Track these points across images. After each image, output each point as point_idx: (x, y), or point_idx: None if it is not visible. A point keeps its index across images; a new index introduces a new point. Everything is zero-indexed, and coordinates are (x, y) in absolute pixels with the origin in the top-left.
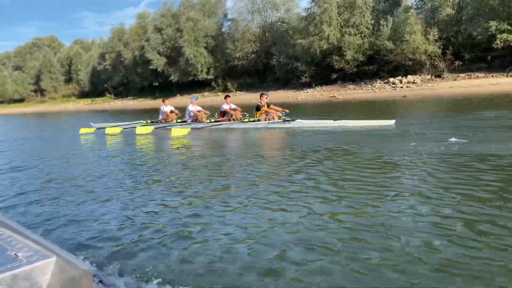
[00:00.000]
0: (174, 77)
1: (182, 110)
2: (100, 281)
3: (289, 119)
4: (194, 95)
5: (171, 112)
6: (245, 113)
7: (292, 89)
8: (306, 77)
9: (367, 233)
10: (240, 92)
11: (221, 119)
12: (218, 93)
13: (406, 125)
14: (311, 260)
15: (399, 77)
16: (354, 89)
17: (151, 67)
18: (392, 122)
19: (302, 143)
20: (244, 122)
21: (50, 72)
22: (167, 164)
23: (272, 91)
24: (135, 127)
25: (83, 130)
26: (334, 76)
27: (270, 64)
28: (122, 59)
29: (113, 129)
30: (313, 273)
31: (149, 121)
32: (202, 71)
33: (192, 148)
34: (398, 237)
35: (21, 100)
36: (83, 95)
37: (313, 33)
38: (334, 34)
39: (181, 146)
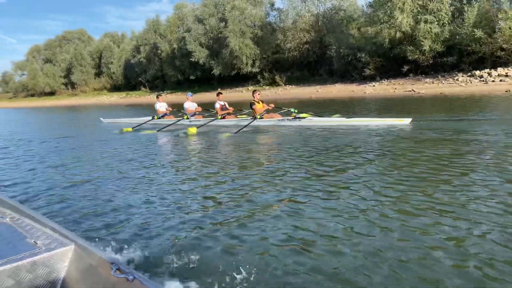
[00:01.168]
0: (216, 71)
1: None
2: (118, 269)
3: (299, 116)
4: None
5: (166, 109)
6: (238, 111)
7: (350, 82)
8: (370, 69)
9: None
10: (290, 86)
11: (223, 116)
12: (264, 87)
13: None
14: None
15: (487, 70)
16: (433, 82)
17: (191, 59)
18: (408, 120)
19: (311, 142)
20: (259, 119)
21: (81, 65)
22: (186, 160)
23: (328, 85)
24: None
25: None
26: (406, 68)
27: (323, 56)
28: (159, 51)
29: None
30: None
31: (156, 118)
32: (247, 63)
33: (211, 148)
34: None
35: (51, 93)
36: (115, 88)
37: (382, 21)
38: (407, 22)
39: (199, 145)
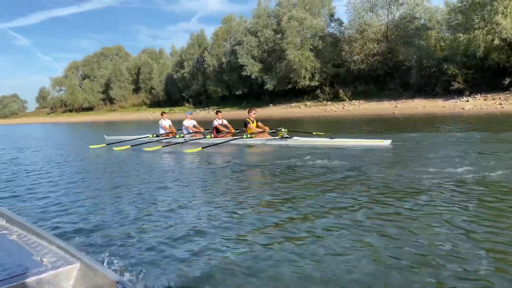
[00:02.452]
0: (269, 85)
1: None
2: None
3: (287, 136)
4: (190, 110)
5: (170, 126)
6: (237, 130)
7: (432, 97)
8: (459, 82)
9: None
10: (357, 101)
11: (215, 135)
12: (325, 102)
13: None
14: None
15: None
16: None
17: (244, 73)
18: (387, 142)
19: (294, 162)
20: (243, 138)
21: (119, 80)
22: (176, 181)
23: (405, 100)
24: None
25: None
26: (507, 80)
27: (395, 68)
28: (205, 65)
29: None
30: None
31: (154, 135)
32: (305, 77)
33: (200, 166)
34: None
35: (89, 109)
36: (155, 104)
37: (477, 27)
38: (511, 27)
39: (191, 163)
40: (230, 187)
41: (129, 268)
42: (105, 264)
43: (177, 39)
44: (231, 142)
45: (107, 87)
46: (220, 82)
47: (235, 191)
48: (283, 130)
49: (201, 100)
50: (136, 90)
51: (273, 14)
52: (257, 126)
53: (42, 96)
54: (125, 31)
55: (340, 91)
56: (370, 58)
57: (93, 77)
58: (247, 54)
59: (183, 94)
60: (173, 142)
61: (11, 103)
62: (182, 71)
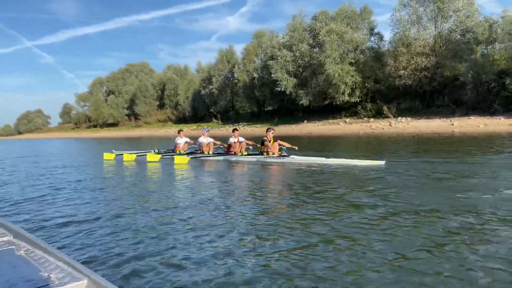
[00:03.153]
0: (305, 101)
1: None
2: None
3: (285, 154)
4: (206, 127)
5: (185, 143)
6: (250, 147)
7: (490, 114)
8: None
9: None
10: (404, 118)
11: (226, 151)
12: (367, 118)
13: None
14: None
15: None
16: None
17: (277, 88)
18: (382, 162)
19: (288, 179)
20: (241, 155)
21: (144, 96)
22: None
23: (458, 117)
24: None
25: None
26: None
27: (443, 83)
28: (235, 81)
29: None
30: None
31: (157, 150)
32: (343, 92)
33: (183, 177)
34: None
35: (114, 124)
36: (180, 120)
37: None
38: None
39: (178, 175)
40: (213, 202)
41: (137, 285)
42: (113, 281)
43: (197, 58)
44: (222, 158)
45: (132, 102)
46: (250, 98)
47: (219, 207)
48: (282, 148)
49: (229, 116)
50: (161, 106)
51: (309, 28)
52: (276, 144)
53: (65, 112)
54: (146, 49)
55: (385, 107)
56: (417, 73)
57: (117, 93)
58: (282, 69)
59: (211, 110)
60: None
61: (36, 118)
62: (210, 87)
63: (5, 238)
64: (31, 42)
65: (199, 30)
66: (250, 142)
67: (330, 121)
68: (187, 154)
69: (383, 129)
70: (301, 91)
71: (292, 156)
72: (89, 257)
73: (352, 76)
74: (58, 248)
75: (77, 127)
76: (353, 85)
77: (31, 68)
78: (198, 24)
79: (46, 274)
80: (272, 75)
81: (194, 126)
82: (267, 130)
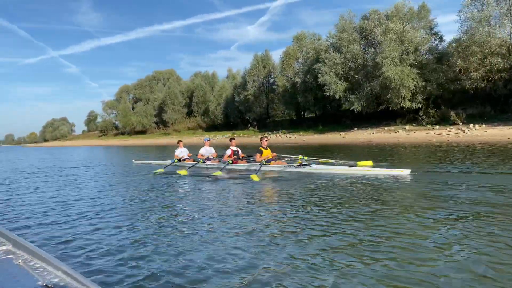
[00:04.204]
0: (357, 106)
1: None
2: None
3: (306, 163)
4: (207, 136)
5: (187, 154)
6: (249, 156)
7: None
8: None
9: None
10: (477, 125)
11: (234, 161)
12: (429, 126)
13: None
14: None
15: None
16: None
17: (326, 93)
18: (407, 172)
19: (311, 189)
20: (264, 164)
21: (173, 104)
22: (190, 206)
23: None
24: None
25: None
26: None
27: None
28: (275, 86)
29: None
30: None
31: (177, 161)
32: (403, 97)
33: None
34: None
35: (142, 132)
36: (211, 127)
37: None
38: None
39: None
40: (251, 211)
41: None
42: None
43: (217, 67)
44: (250, 168)
45: (160, 110)
46: (290, 104)
47: (256, 215)
48: (300, 157)
49: (267, 123)
50: (189, 113)
51: (359, 28)
52: (270, 152)
53: (90, 119)
54: (167, 59)
55: (452, 113)
56: (491, 75)
57: (145, 100)
58: (330, 72)
59: (246, 117)
60: (197, 167)
61: (61, 126)
62: (245, 93)
63: (3, 247)
64: (56, 52)
65: (219, 39)
66: (242, 155)
67: (385, 128)
68: (208, 165)
69: (459, 136)
70: (352, 96)
71: (313, 165)
72: (88, 266)
73: (413, 79)
74: (57, 257)
75: (104, 135)
76: (414, 89)
77: (56, 78)
78: (218, 33)
79: (45, 284)
80: (319, 79)
81: (228, 133)
82: (261, 139)
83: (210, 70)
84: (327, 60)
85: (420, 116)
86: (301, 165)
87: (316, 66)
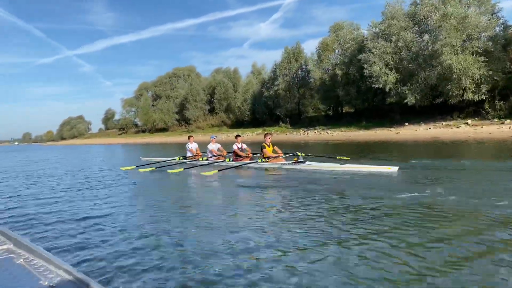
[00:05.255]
0: (411, 99)
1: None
2: None
3: (302, 160)
4: (213, 133)
5: (196, 149)
6: (254, 154)
7: None
8: None
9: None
10: None
11: (234, 158)
12: (496, 120)
13: None
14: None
15: None
16: None
17: (375, 86)
18: (395, 169)
19: (306, 185)
20: (260, 162)
21: (195, 100)
22: (192, 203)
23: None
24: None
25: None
26: None
27: None
28: (310, 79)
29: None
30: None
31: (181, 158)
32: (465, 88)
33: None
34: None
35: (164, 129)
36: (237, 124)
37: None
38: None
39: (208, 186)
40: (244, 208)
41: None
42: None
43: (229, 65)
44: (248, 165)
45: (182, 107)
46: (328, 98)
47: (249, 212)
48: (299, 154)
49: (302, 119)
50: (210, 110)
51: (410, 14)
52: (273, 151)
53: (108, 117)
54: (180, 57)
55: None
56: None
57: (165, 98)
58: (380, 62)
59: (277, 113)
60: (197, 165)
61: (78, 124)
62: (276, 88)
63: (4, 246)
64: (70, 51)
65: (231, 37)
66: (249, 150)
67: (443, 123)
68: (206, 161)
69: None
70: (404, 88)
71: (307, 163)
72: (90, 265)
73: (479, 68)
74: (59, 256)
75: (124, 132)
76: (479, 79)
77: (71, 77)
78: (230, 31)
79: (46, 283)
80: (364, 70)
81: (258, 130)
82: (265, 136)
83: (222, 68)
84: (374, 50)
85: (484, 109)
86: (297, 162)
87: (362, 56)
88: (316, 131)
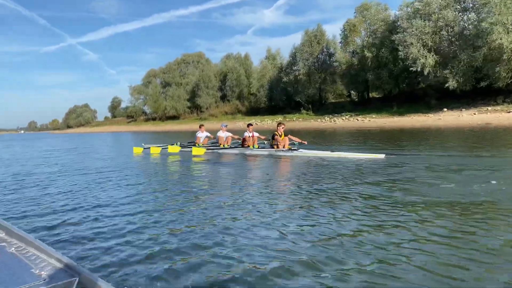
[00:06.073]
0: (452, 83)
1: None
2: None
3: (295, 148)
4: (224, 122)
5: (206, 138)
6: (264, 141)
7: None
8: None
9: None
10: None
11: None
12: None
13: None
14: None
15: None
16: None
17: (412, 68)
18: (382, 156)
19: (296, 171)
20: (254, 148)
21: (207, 87)
22: (173, 186)
23: None
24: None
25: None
26: None
27: None
28: (334, 63)
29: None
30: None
31: (179, 144)
32: None
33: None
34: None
35: (175, 117)
36: (252, 111)
37: None
38: None
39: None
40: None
41: (129, 282)
42: (104, 278)
43: (233, 52)
44: (237, 151)
45: (193, 94)
46: (355, 83)
47: (232, 197)
48: (294, 142)
49: (326, 105)
50: (222, 98)
51: None
52: (286, 138)
53: (115, 106)
54: (183, 44)
55: None
56: None
57: (175, 85)
58: (417, 43)
59: (298, 99)
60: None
61: (84, 113)
62: (296, 73)
63: None
64: (74, 39)
65: (235, 24)
66: (262, 137)
67: (488, 108)
68: (206, 147)
69: None
70: (446, 71)
71: (300, 150)
72: (81, 254)
73: None
74: (50, 245)
75: (133, 120)
76: None
77: (75, 65)
78: (234, 18)
79: (38, 272)
80: (400, 52)
81: (278, 117)
82: (278, 125)
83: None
84: (410, 30)
85: None
86: (290, 149)
87: (396, 37)
88: (343, 118)
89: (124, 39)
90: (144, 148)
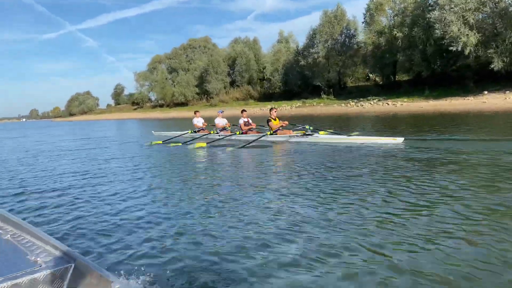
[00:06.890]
0: (498, 64)
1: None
2: None
3: (309, 133)
4: (221, 108)
5: (203, 123)
6: (263, 127)
7: None
8: None
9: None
10: None
11: (244, 131)
12: None
13: None
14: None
15: None
16: None
17: (452, 48)
18: (400, 140)
19: (315, 157)
20: (270, 135)
21: (216, 73)
22: (194, 175)
23: None
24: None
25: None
26: None
27: None
28: (354, 45)
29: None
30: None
31: (192, 132)
32: None
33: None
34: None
35: (183, 104)
36: (265, 97)
37: None
38: None
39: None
40: (257, 180)
41: (125, 268)
42: (100, 264)
43: (234, 37)
44: (259, 139)
45: (201, 80)
46: (380, 65)
47: (262, 184)
48: (307, 127)
49: (348, 88)
50: (231, 83)
51: None
52: (280, 122)
53: (118, 93)
54: (183, 31)
55: None
56: None
57: (182, 70)
58: (457, 21)
59: (317, 83)
60: (210, 139)
61: (87, 100)
62: (315, 56)
63: None
64: (73, 26)
65: (235, 9)
66: (253, 125)
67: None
68: (220, 136)
69: None
70: (490, 51)
71: (315, 135)
72: (77, 241)
73: None
74: (46, 232)
75: (139, 107)
76: None
77: (75, 53)
78: (234, 3)
79: (34, 258)
80: (436, 31)
81: (297, 103)
82: (270, 110)
83: (226, 42)
84: (448, 6)
85: None
86: (305, 134)
87: (433, 14)
88: (370, 102)
89: (124, 26)
90: (163, 141)
